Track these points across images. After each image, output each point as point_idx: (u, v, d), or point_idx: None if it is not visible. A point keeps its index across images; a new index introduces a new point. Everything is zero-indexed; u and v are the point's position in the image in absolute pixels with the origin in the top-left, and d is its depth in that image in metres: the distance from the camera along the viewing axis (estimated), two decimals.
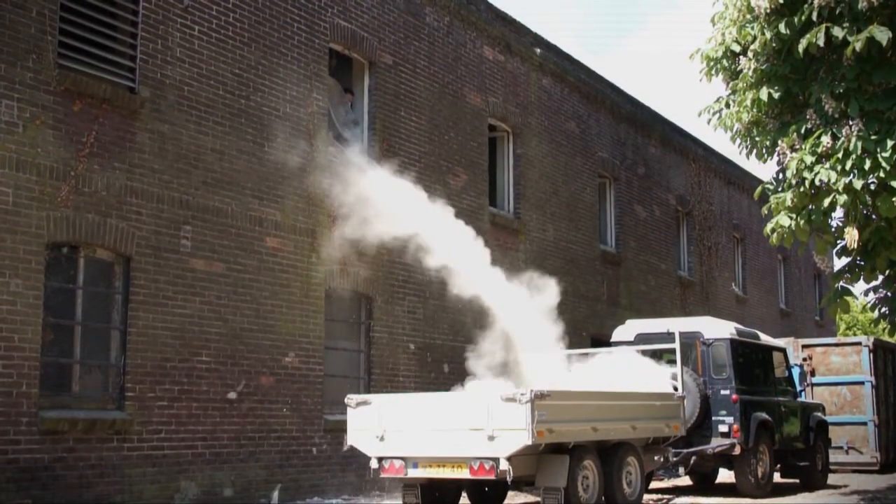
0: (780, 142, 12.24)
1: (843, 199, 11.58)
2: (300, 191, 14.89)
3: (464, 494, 13.32)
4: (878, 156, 11.16)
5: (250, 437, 13.85)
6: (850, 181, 11.39)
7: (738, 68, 12.65)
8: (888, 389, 22.34)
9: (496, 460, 11.18)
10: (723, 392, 15.85)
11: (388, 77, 17.04)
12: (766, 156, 13.01)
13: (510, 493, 13.53)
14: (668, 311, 25.06)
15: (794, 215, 12.23)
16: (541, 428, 11.09)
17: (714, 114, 13.52)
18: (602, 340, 19.55)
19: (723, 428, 15.71)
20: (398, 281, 16.66)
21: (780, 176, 13.00)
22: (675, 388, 14.71)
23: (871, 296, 14.04)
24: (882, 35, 10.76)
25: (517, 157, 20.63)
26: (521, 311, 14.58)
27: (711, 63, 13.13)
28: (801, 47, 11.38)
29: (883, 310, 13.87)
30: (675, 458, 15.10)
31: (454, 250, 14.75)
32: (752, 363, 16.79)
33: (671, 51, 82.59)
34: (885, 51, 11.19)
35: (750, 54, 12.43)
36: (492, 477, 11.33)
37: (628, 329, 17.26)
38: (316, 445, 14.81)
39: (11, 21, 11.44)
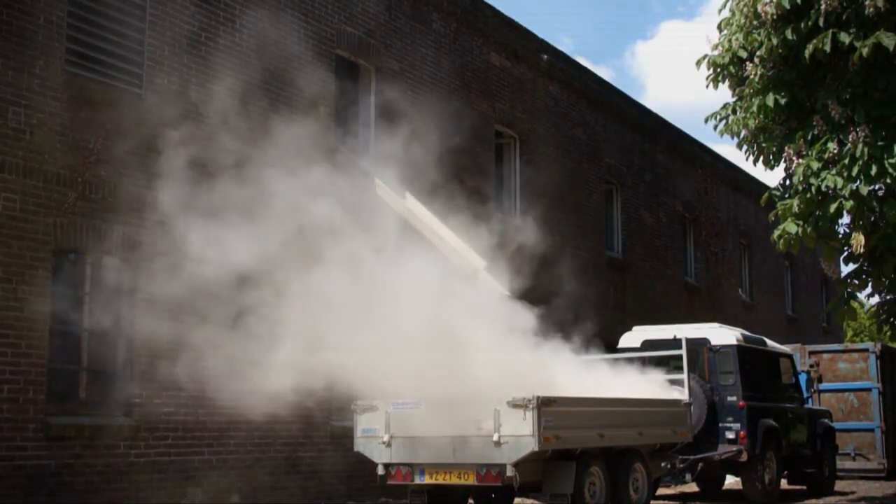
0: (786, 148, 12.24)
1: (849, 204, 11.58)
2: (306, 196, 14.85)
3: (471, 500, 13.29)
4: (885, 162, 11.16)
5: (257, 443, 13.84)
6: (857, 187, 11.40)
7: (745, 74, 12.65)
8: (895, 396, 22.28)
9: (502, 467, 11.15)
10: (729, 398, 15.81)
11: (395, 83, 17.05)
12: (772, 162, 13.01)
13: (517, 500, 13.50)
14: (675, 317, 24.97)
15: (800, 222, 12.22)
16: (547, 434, 11.06)
17: (721, 120, 13.52)
18: (610, 346, 19.49)
19: (730, 434, 15.67)
20: None
21: (787, 182, 12.99)
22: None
23: (876, 299, 14.03)
24: (889, 41, 10.78)
25: (524, 164, 20.63)
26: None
27: (718, 69, 13.14)
28: (807, 53, 11.38)
29: (883, 315, 13.85)
30: (681, 465, 15.06)
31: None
32: (758, 369, 16.75)
33: (678, 53, 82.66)
34: (892, 56, 11.19)
35: (756, 60, 12.43)
36: (498, 483, 11.31)
37: (635, 335, 17.22)
38: (322, 452, 14.79)
39: (19, 28, 11.47)
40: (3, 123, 11.28)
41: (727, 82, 13.29)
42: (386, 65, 16.92)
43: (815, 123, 11.84)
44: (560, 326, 14.73)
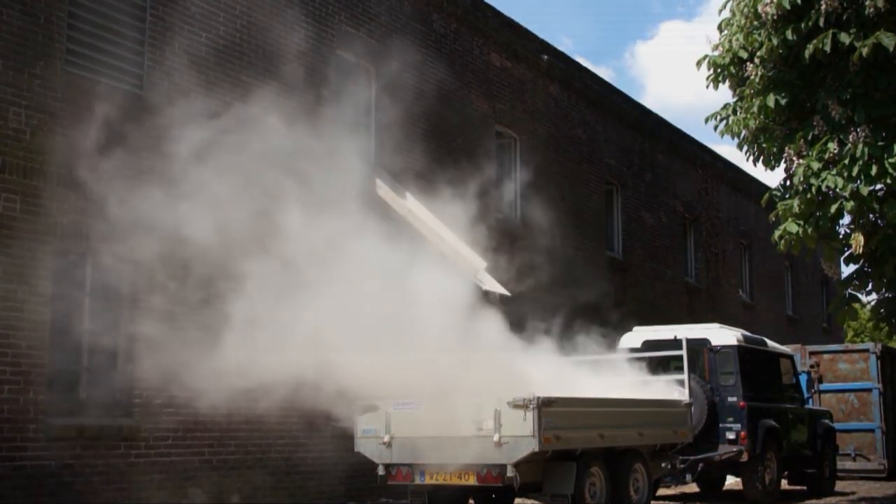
0: (786, 148, 12.23)
1: (849, 205, 11.58)
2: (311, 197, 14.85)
3: (471, 501, 13.28)
4: (885, 162, 11.16)
5: (257, 443, 13.83)
6: (857, 187, 11.39)
7: (746, 75, 12.64)
8: (895, 396, 22.28)
9: (503, 467, 11.14)
10: (730, 399, 15.80)
11: (395, 83, 17.03)
12: (772, 162, 13.01)
13: (517, 500, 13.50)
14: (675, 317, 24.94)
15: (801, 222, 12.21)
16: (548, 434, 11.05)
17: (721, 120, 13.52)
18: (610, 347, 19.47)
19: (730, 435, 15.67)
20: None
21: (787, 182, 12.99)
22: None
23: (874, 296, 14.02)
24: (889, 41, 10.77)
25: (524, 164, 20.61)
26: None
27: (719, 70, 13.13)
28: (807, 53, 11.38)
29: (882, 313, 13.84)
30: (682, 465, 15.06)
31: None
32: (759, 370, 16.75)
33: (678, 53, 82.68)
34: (892, 56, 11.18)
35: (757, 61, 12.43)
36: (499, 484, 11.30)
37: (635, 336, 17.21)
38: (322, 452, 14.78)
39: (20, 28, 11.46)
40: (4, 124, 11.28)
41: (727, 83, 13.29)
42: (387, 65, 16.90)
43: (815, 124, 11.83)
44: (560, 327, 14.76)
